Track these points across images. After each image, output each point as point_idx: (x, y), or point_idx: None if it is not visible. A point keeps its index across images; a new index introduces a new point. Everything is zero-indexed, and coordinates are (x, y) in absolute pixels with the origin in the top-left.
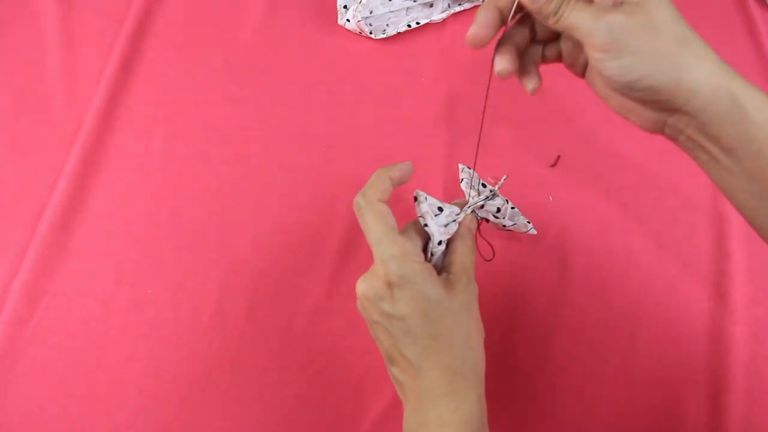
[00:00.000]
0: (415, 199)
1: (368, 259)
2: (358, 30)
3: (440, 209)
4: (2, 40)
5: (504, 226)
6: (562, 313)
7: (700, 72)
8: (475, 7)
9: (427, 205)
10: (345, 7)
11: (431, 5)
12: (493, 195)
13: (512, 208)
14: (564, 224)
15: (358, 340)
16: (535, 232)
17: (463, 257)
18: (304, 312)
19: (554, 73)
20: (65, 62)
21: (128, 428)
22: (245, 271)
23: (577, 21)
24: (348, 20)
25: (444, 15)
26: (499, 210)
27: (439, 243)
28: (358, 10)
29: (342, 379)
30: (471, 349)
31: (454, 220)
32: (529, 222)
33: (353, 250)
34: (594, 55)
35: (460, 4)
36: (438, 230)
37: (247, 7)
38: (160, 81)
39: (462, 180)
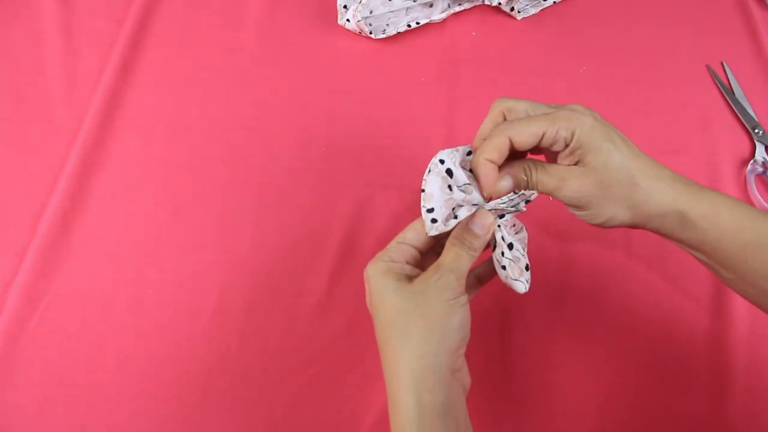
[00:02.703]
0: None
1: (368, 260)
2: (358, 30)
3: (450, 173)
4: (2, 40)
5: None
6: (561, 313)
7: (651, 205)
8: (475, 6)
9: (440, 174)
10: (345, 7)
11: (431, 5)
12: (520, 202)
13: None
14: (564, 224)
15: (358, 340)
16: (523, 290)
17: (445, 255)
18: (304, 312)
19: (554, 74)
20: (65, 62)
21: (128, 428)
22: (245, 271)
23: (546, 186)
24: (348, 20)
25: (444, 15)
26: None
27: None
28: (358, 10)
29: (342, 379)
30: (407, 340)
31: (460, 205)
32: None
33: (353, 250)
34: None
35: (460, 4)
36: (431, 187)
37: (247, 7)
38: (160, 81)
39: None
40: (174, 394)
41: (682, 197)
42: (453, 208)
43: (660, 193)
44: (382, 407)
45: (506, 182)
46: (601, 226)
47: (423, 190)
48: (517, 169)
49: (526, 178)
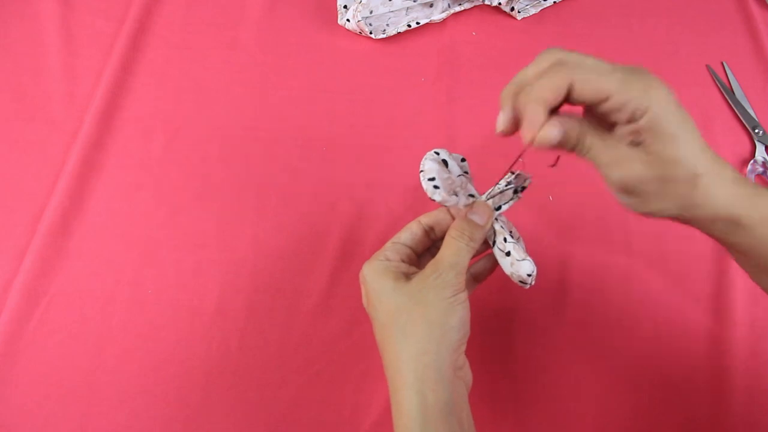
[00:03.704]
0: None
1: (368, 259)
2: (358, 30)
3: (446, 163)
4: (2, 40)
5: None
6: (562, 314)
7: (705, 210)
8: (475, 6)
9: (436, 159)
10: (345, 7)
11: (431, 5)
12: (514, 190)
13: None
14: (564, 224)
15: (358, 340)
16: (530, 269)
17: (444, 251)
18: (304, 312)
19: None
20: (65, 62)
21: (128, 428)
22: (245, 270)
23: (597, 158)
24: (348, 20)
25: (444, 15)
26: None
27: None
28: (358, 10)
29: (342, 379)
30: (407, 338)
31: (455, 193)
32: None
33: (353, 250)
34: (608, 184)
35: (460, 4)
36: (429, 165)
37: (247, 7)
38: (160, 81)
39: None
40: (174, 394)
41: (740, 202)
42: (453, 193)
43: (718, 197)
44: (382, 407)
45: (554, 130)
46: (642, 214)
47: (422, 171)
48: (571, 123)
49: (576, 138)
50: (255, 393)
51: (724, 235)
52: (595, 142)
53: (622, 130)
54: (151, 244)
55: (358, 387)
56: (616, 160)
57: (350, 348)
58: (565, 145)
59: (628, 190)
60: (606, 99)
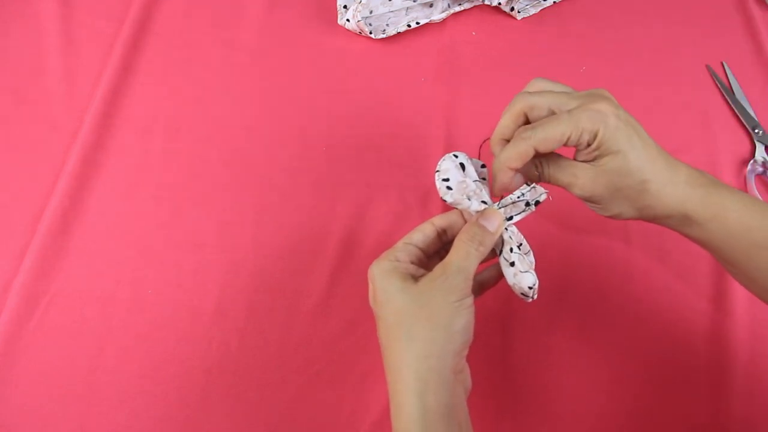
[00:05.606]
0: (456, 156)
1: (368, 260)
2: (358, 30)
3: (463, 167)
4: (2, 40)
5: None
6: (562, 313)
7: (657, 208)
8: (475, 6)
9: (454, 162)
10: (345, 7)
11: (431, 5)
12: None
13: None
14: (564, 224)
15: (358, 340)
16: (532, 281)
17: (453, 254)
18: (304, 312)
19: (554, 74)
20: (65, 62)
21: (128, 428)
22: (245, 271)
23: (558, 182)
24: (348, 20)
25: (444, 15)
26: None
27: (438, 173)
28: (358, 10)
29: (342, 379)
30: (411, 341)
31: (469, 196)
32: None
33: (353, 250)
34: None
35: (460, 4)
36: (446, 165)
37: (247, 7)
38: (160, 81)
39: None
40: (174, 394)
41: (690, 201)
42: (465, 197)
43: (668, 198)
44: (382, 407)
45: (517, 180)
46: (607, 217)
47: (438, 170)
48: (528, 166)
49: (537, 173)
50: (255, 393)
51: (681, 229)
52: (553, 171)
53: (581, 155)
54: (151, 244)
55: (358, 387)
56: (573, 178)
57: (350, 348)
58: (531, 182)
59: (589, 200)
60: (566, 142)
